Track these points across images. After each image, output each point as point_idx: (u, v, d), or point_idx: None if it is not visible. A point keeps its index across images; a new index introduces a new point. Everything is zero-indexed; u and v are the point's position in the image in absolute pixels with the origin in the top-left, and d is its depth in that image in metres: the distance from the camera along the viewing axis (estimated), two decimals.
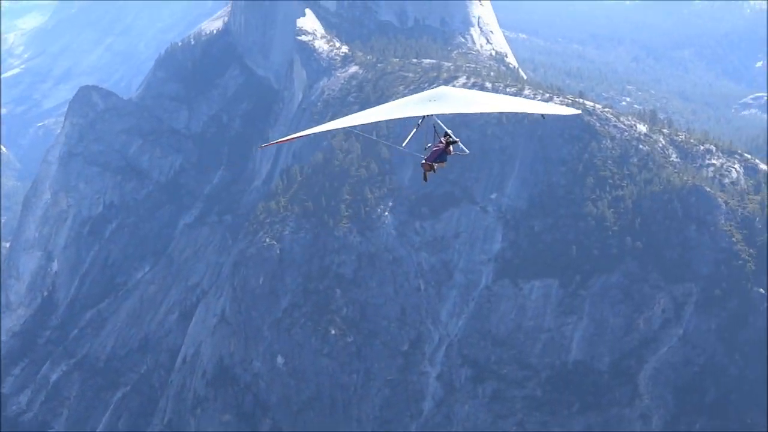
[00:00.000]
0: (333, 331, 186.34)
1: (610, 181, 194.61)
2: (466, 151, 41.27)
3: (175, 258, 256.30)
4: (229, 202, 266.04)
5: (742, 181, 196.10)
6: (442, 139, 41.19)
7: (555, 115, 44.16)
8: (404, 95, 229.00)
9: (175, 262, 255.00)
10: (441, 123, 39.72)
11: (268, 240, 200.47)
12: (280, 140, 49.29)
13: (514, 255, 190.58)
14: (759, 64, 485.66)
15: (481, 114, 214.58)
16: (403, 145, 39.81)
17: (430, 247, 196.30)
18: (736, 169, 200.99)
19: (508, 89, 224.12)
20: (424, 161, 40.58)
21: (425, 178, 41.76)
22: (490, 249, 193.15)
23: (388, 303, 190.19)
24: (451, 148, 41.04)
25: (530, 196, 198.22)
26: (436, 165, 40.52)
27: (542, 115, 33.28)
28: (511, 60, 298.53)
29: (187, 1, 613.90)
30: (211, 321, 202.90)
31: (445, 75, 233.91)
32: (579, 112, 52.31)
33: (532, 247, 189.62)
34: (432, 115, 39.27)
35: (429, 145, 41.45)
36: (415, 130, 41.14)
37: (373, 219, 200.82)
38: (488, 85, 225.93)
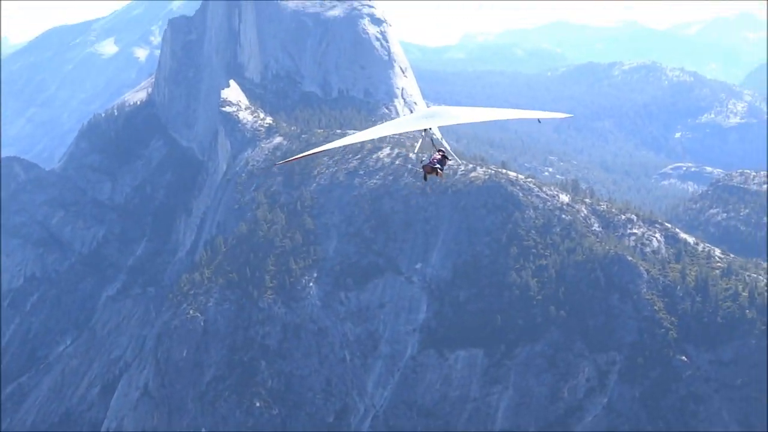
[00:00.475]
0: (258, 404, 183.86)
1: (534, 250, 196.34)
2: (459, 161, 47.12)
3: (97, 330, 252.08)
4: (152, 274, 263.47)
5: (663, 250, 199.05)
6: (438, 151, 46.40)
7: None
8: (328, 166, 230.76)
9: (98, 334, 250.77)
10: (438, 137, 44.29)
11: (192, 311, 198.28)
12: (296, 157, 51.37)
13: (439, 325, 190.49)
14: (678, 135, 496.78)
15: (405, 183, 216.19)
16: (415, 152, 45.55)
17: (355, 318, 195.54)
18: (657, 238, 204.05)
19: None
20: (425, 164, 45.51)
21: (425, 178, 46.38)
22: (415, 319, 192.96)
23: (313, 374, 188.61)
24: (446, 159, 46.12)
25: (455, 265, 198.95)
26: (436, 171, 45.33)
27: (538, 120, 43.11)
28: (435, 131, 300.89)
29: (110, 73, 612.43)
30: (133, 394, 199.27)
31: (369, 146, 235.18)
32: (571, 115, 55.63)
33: (457, 317, 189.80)
34: (430, 129, 44.79)
35: (423, 158, 46.39)
36: (421, 140, 46.21)
37: (298, 290, 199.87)
38: (412, 155, 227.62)
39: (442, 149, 46.57)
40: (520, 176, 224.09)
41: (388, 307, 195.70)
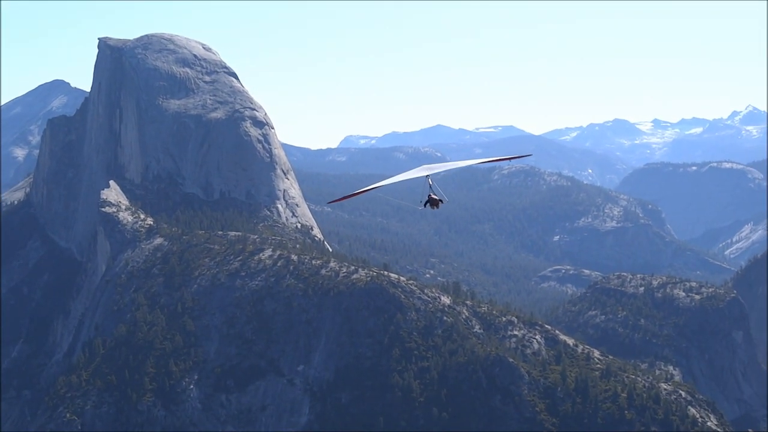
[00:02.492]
0: None
1: (416, 352, 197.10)
2: (446, 198, 63.77)
3: None
4: (28, 376, 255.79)
5: (544, 352, 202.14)
6: (430, 194, 62.89)
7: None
8: (210, 267, 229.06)
9: None
10: (431, 183, 60.87)
11: (68, 415, 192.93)
12: (347, 196, 65.24)
13: (321, 427, 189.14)
14: (556, 238, 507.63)
15: (287, 285, 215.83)
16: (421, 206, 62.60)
17: (236, 420, 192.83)
18: (537, 339, 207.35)
19: (314, 261, 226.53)
20: (430, 196, 62.95)
21: (430, 205, 63.79)
22: (297, 421, 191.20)
23: None
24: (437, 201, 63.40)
25: (337, 367, 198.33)
26: (437, 203, 63.31)
27: (509, 160, 59.97)
28: (317, 233, 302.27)
29: None
30: None
31: (251, 247, 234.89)
32: (530, 155, 71.75)
33: (339, 419, 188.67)
34: (428, 176, 60.54)
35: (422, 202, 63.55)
36: (430, 189, 62.82)
37: (178, 392, 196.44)
38: (294, 257, 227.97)
39: (435, 195, 62.58)
40: (401, 278, 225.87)
41: (270, 410, 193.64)
